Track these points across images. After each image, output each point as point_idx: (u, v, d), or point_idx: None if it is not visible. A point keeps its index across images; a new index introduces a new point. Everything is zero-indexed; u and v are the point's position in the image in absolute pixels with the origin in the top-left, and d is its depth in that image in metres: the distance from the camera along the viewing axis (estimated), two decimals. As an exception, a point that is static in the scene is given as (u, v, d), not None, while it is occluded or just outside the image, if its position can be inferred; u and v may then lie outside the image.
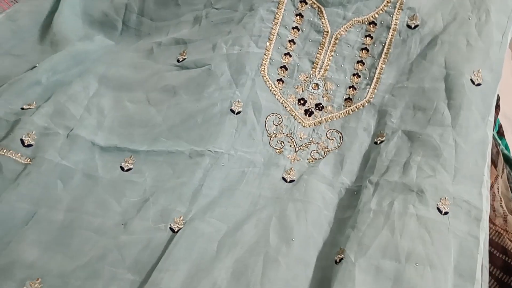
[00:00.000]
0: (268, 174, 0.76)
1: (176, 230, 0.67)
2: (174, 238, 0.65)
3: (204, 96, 0.80)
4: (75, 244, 0.65)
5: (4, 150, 0.71)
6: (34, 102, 0.80)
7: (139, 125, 0.79)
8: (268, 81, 0.85)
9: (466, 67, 0.77)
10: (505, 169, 0.87)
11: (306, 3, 0.86)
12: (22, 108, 0.78)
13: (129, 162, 0.75)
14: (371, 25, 0.84)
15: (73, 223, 0.67)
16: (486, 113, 0.77)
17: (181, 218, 0.68)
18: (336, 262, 0.62)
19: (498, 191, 0.79)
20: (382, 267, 0.60)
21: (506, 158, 0.89)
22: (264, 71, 0.85)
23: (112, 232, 0.66)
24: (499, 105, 0.94)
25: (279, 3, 0.85)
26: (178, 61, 0.86)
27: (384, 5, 0.84)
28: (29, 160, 0.72)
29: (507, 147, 0.94)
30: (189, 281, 0.61)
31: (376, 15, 0.84)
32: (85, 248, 0.65)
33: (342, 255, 0.62)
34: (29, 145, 0.73)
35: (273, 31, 0.86)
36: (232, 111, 0.80)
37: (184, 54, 0.86)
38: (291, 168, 0.78)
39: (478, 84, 0.77)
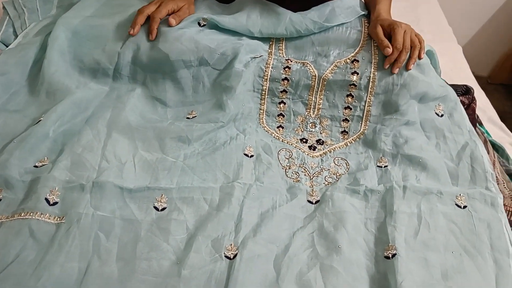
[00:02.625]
0: (295, 199, 0.79)
1: (232, 257, 0.67)
2: (234, 264, 0.65)
3: (218, 146, 0.83)
4: None
5: (31, 213, 0.66)
6: (46, 158, 0.76)
7: (161, 170, 0.78)
8: (269, 130, 0.91)
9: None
10: (495, 154, 0.95)
11: (291, 61, 0.93)
12: (35, 166, 0.74)
13: (162, 201, 0.73)
14: (354, 62, 0.92)
15: (130, 272, 0.64)
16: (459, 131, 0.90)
17: (232, 245, 0.69)
18: (388, 257, 0.69)
19: (499, 175, 0.87)
20: (428, 258, 0.69)
21: (492, 144, 0.99)
22: (263, 122, 0.92)
23: (172, 271, 0.64)
24: (474, 98, 1.04)
25: (266, 63, 0.92)
26: (188, 118, 0.88)
27: (361, 47, 0.93)
28: (58, 218, 0.68)
29: (488, 134, 1.04)
30: None
31: (357, 54, 0.92)
32: None
33: (395, 251, 0.68)
34: (55, 203, 0.69)
35: (264, 87, 0.92)
36: (246, 155, 0.84)
37: (193, 113, 0.88)
38: (312, 190, 0.81)
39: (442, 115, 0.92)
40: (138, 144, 0.81)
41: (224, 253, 0.68)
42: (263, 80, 0.92)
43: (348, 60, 0.92)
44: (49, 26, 0.99)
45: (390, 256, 0.68)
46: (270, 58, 0.93)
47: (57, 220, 0.68)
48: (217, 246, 0.68)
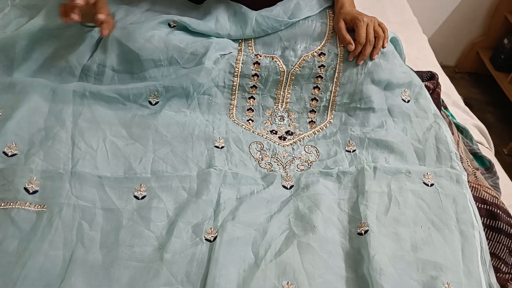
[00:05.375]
0: (270, 186, 0.81)
1: (212, 239, 0.70)
2: (214, 246, 0.68)
3: (187, 135, 0.85)
4: (124, 276, 0.64)
5: (11, 203, 0.67)
6: (14, 143, 0.75)
7: (133, 159, 0.79)
8: (239, 123, 0.93)
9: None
10: (459, 135, 1.01)
11: (260, 56, 0.95)
12: (5, 153, 0.73)
13: (141, 190, 0.75)
14: (321, 56, 0.95)
15: (114, 258, 0.66)
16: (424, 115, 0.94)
17: (212, 228, 0.71)
18: (361, 234, 0.73)
19: (463, 154, 0.92)
20: (399, 233, 0.73)
21: (456, 126, 1.04)
22: (233, 116, 0.93)
23: (155, 256, 0.67)
24: (439, 83, 1.09)
25: (236, 59, 0.94)
26: (150, 103, 0.88)
27: (327, 40, 0.96)
28: (39, 206, 0.69)
29: (453, 116, 1.09)
30: (242, 282, 0.65)
31: (324, 47, 0.95)
32: (136, 277, 0.64)
33: (367, 228, 0.72)
34: (35, 192, 0.70)
35: (234, 83, 0.94)
36: (217, 147, 0.86)
37: (156, 96, 0.88)
38: (287, 175, 0.84)
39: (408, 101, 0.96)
40: (105, 129, 0.82)
41: (205, 236, 0.70)
42: (234, 76, 0.93)
43: (315, 54, 0.94)
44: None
45: (363, 233, 0.72)
46: (240, 55, 0.94)
47: (37, 208, 0.69)
48: (198, 231, 0.71)
